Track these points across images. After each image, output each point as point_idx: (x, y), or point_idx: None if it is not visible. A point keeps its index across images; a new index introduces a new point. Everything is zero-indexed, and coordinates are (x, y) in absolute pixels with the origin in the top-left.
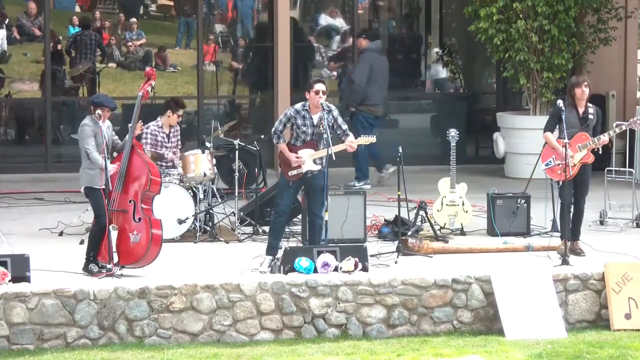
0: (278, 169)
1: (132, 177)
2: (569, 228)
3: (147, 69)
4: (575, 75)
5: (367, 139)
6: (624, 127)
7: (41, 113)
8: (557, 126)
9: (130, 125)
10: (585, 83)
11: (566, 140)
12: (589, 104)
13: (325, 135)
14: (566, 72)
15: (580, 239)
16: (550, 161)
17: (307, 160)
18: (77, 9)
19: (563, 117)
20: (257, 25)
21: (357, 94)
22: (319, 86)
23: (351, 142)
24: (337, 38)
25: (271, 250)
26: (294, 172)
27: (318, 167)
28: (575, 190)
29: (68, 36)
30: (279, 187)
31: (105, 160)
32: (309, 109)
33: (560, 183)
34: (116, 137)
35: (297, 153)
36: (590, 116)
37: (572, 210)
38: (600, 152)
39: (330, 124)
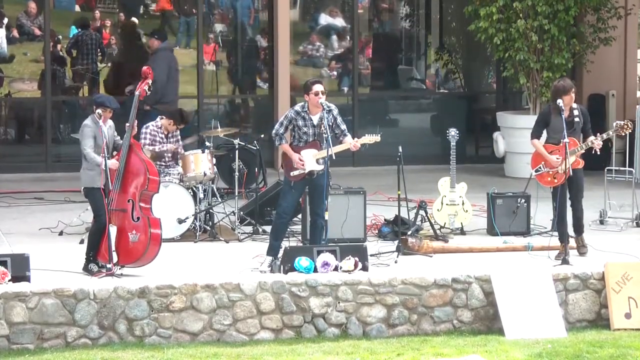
0: (280, 170)
1: (130, 177)
2: (572, 224)
3: (144, 67)
4: (561, 80)
5: (371, 138)
6: (611, 134)
7: (41, 112)
8: (545, 130)
9: (127, 124)
10: (574, 90)
11: (566, 140)
12: (572, 105)
13: (325, 136)
14: (566, 72)
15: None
16: (539, 168)
17: (310, 160)
18: (77, 8)
19: (563, 116)
20: (256, 24)
21: (157, 92)
22: (318, 87)
23: (355, 142)
24: (337, 38)
25: (272, 250)
26: (296, 172)
27: (321, 167)
28: (570, 194)
29: (69, 37)
30: (282, 188)
31: (105, 160)
32: (308, 110)
33: (552, 189)
34: (118, 137)
35: (299, 153)
36: (577, 119)
37: (571, 212)
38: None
39: (330, 124)
